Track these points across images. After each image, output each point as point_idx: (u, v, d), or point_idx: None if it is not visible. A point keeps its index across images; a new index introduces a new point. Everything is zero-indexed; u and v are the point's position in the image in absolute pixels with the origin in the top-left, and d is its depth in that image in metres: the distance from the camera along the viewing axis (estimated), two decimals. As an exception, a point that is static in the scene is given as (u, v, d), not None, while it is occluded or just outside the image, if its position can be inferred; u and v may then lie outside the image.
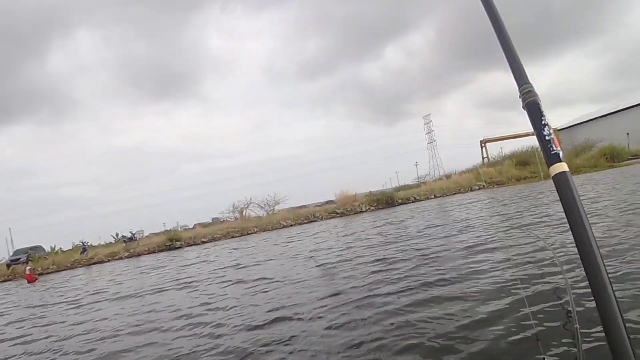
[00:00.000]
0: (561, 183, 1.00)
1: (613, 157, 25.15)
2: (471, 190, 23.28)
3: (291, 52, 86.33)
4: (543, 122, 1.05)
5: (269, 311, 3.46)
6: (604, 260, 0.91)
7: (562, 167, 1.00)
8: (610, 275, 0.90)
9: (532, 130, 1.07)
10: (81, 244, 23.55)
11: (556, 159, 1.01)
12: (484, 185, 23.75)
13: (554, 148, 1.02)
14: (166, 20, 75.69)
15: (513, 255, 3.93)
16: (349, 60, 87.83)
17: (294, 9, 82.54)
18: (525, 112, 1.10)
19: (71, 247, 25.63)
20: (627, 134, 33.13)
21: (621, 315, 0.85)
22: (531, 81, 1.14)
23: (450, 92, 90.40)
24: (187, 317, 3.85)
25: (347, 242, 8.03)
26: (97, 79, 72.27)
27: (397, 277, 3.91)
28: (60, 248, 25.38)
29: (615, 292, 0.88)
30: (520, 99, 1.12)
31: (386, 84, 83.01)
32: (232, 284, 5.38)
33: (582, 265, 0.93)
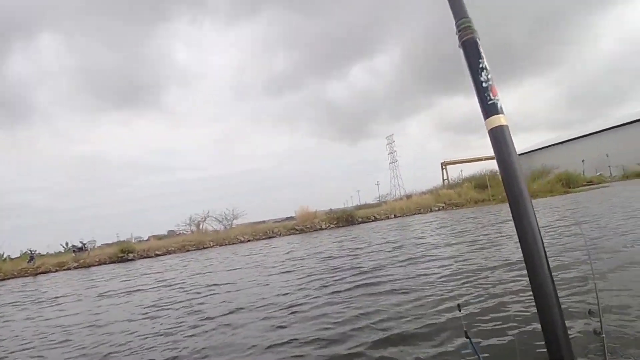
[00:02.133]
0: (499, 138, 0.85)
1: (569, 183, 26.29)
2: (430, 211, 23.79)
3: (258, 68, 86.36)
4: (481, 65, 0.87)
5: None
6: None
7: (500, 120, 0.85)
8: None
9: (468, 71, 0.90)
10: (29, 252, 22.58)
11: (494, 110, 0.85)
12: (443, 207, 24.33)
13: (492, 97, 0.86)
14: (132, 29, 74.23)
15: None
16: (314, 79, 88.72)
17: (262, 26, 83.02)
18: (463, 56, 0.93)
19: (19, 255, 24.47)
20: (582, 161, 34.79)
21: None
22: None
23: (413, 114, 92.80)
24: None
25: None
26: (56, 86, 69.36)
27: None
28: (8, 255, 24.21)
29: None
30: (457, 36, 0.93)
31: (351, 104, 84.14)
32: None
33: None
